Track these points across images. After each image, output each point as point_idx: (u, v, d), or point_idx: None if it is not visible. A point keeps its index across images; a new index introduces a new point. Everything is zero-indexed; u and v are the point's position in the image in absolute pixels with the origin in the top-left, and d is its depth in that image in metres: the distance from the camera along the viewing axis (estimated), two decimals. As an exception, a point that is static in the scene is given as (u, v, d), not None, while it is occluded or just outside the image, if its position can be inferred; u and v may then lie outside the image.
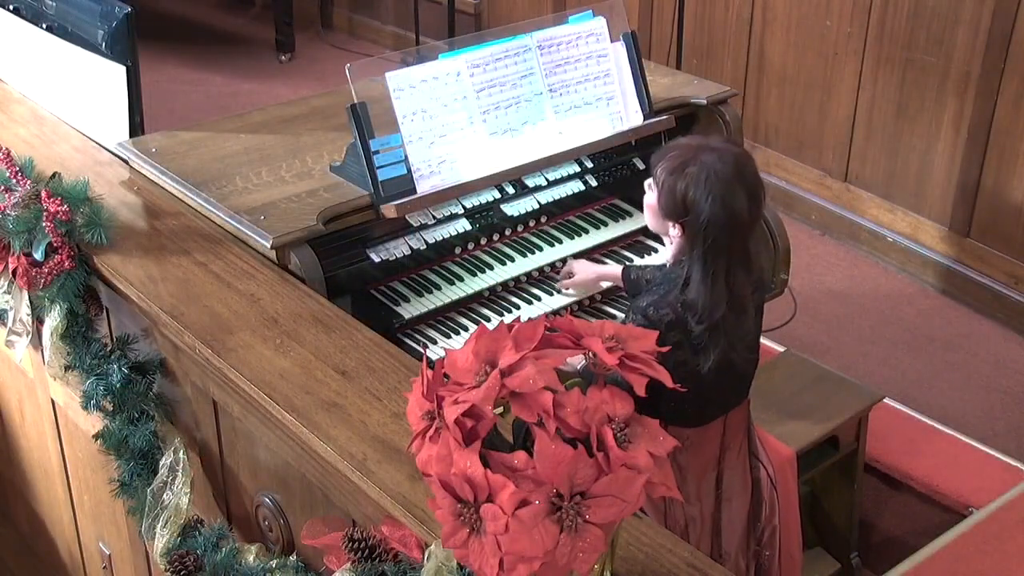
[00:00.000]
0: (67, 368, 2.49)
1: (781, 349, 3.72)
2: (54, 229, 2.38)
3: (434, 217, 2.78)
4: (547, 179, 2.99)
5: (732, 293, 2.32)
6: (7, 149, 2.58)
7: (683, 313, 2.31)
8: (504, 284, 2.90)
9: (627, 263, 2.98)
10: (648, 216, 2.45)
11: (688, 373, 2.31)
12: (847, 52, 4.73)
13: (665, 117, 3.14)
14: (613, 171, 3.15)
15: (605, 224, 3.12)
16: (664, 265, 2.51)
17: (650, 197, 2.40)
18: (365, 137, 2.64)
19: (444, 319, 2.80)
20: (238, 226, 2.54)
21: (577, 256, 3.02)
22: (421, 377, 1.42)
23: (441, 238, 2.81)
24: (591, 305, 2.95)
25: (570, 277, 2.91)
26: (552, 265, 2.97)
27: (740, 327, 2.38)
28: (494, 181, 2.87)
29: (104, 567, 3.10)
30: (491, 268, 2.89)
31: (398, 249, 2.75)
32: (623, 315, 2.70)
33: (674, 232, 2.36)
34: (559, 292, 2.91)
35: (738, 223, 2.28)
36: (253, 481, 2.24)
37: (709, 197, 2.25)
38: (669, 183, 2.32)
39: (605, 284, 2.92)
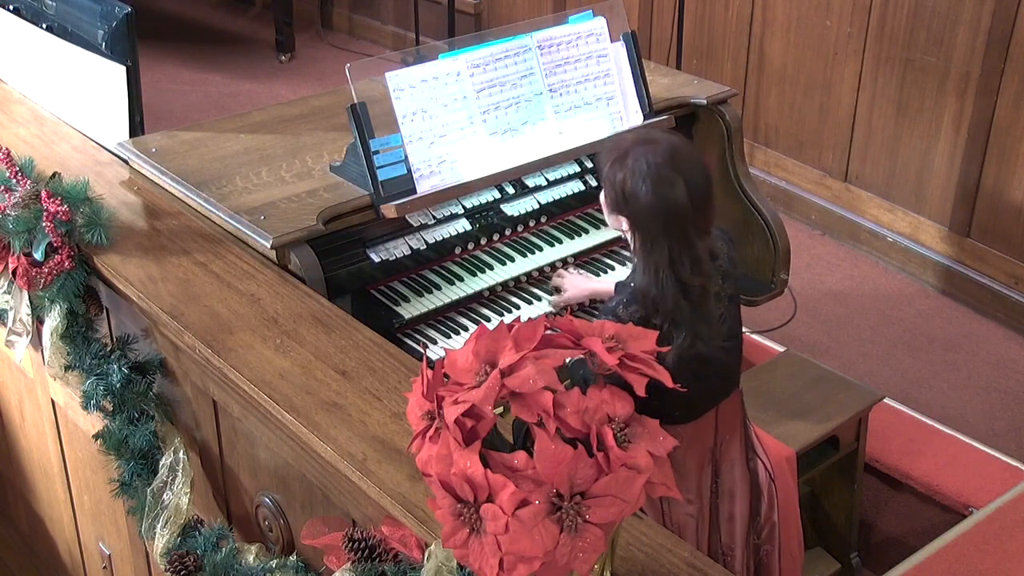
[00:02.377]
0: (67, 368, 2.49)
1: (781, 349, 3.72)
2: (54, 229, 2.38)
3: (434, 217, 2.78)
4: (547, 179, 2.99)
5: (682, 283, 2.30)
6: (7, 149, 2.58)
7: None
8: (504, 284, 2.89)
9: (619, 282, 2.95)
10: (605, 214, 2.45)
11: (666, 368, 2.30)
12: (847, 52, 4.73)
13: (665, 117, 3.14)
14: (613, 171, 3.15)
15: (605, 224, 3.10)
16: None
17: (601, 195, 2.41)
18: (365, 137, 2.64)
19: (444, 319, 2.80)
20: (238, 226, 2.54)
21: (578, 256, 3.02)
22: (421, 377, 1.42)
23: (441, 238, 2.81)
24: (591, 305, 2.94)
25: (560, 292, 2.87)
26: (552, 265, 2.97)
27: (701, 317, 2.35)
28: (494, 181, 2.87)
29: (104, 567, 3.10)
30: (491, 268, 2.89)
31: (398, 249, 2.75)
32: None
33: (625, 227, 2.36)
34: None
35: (676, 212, 2.27)
36: (253, 481, 2.24)
37: (644, 187, 2.26)
38: (609, 177, 2.33)
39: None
